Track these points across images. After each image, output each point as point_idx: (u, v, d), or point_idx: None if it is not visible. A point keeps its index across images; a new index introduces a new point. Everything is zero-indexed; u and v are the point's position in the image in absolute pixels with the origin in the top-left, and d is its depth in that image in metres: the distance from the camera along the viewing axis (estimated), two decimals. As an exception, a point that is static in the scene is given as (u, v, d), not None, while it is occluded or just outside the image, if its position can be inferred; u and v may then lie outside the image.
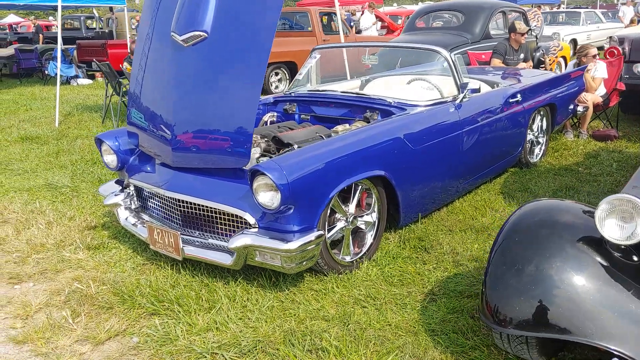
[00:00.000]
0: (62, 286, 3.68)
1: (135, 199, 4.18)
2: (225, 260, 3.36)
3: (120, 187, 4.26)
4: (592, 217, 2.43)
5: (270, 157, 3.78)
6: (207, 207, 3.52)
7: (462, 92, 4.61)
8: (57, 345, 3.05)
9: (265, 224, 3.32)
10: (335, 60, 8.34)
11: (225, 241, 3.45)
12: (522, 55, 8.02)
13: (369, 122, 4.42)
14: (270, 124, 5.05)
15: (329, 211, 3.46)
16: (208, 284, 3.54)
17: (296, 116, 5.04)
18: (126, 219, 4.11)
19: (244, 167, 3.54)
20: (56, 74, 14.20)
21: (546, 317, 2.36)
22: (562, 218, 2.67)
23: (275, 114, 5.11)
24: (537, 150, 6.03)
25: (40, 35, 18.89)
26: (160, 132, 3.71)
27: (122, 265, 3.96)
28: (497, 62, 7.90)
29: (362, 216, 3.84)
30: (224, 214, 3.48)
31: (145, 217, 4.09)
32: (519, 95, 5.32)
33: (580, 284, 2.37)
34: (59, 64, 9.58)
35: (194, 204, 3.57)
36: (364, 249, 3.81)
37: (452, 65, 4.62)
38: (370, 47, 5.79)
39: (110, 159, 4.23)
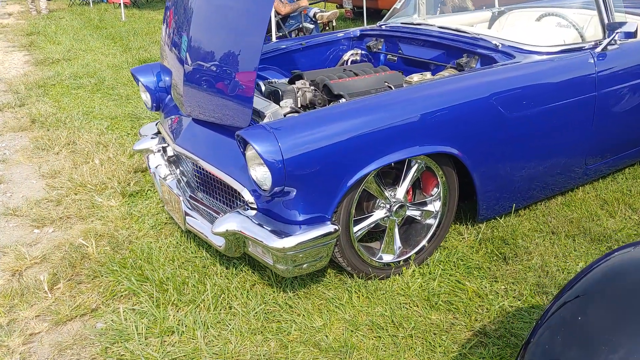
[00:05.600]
0: (71, 239, 3.28)
1: (171, 145, 3.59)
2: (219, 242, 2.63)
3: (157, 130, 3.69)
4: None
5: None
6: (208, 171, 2.79)
7: (609, 36, 3.21)
8: (17, 317, 2.62)
9: (264, 206, 2.51)
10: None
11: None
12: None
13: (462, 70, 3.28)
14: (351, 63, 4.09)
15: (357, 195, 2.54)
16: (206, 266, 2.88)
17: (381, 56, 4.02)
18: (157, 167, 3.53)
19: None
20: None
21: None
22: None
23: (360, 51, 4.12)
24: None
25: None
26: (178, 56, 2.95)
27: (144, 221, 3.45)
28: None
29: (424, 204, 2.84)
30: (227, 184, 2.72)
31: (178, 170, 3.48)
32: None
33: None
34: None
35: (199, 165, 2.87)
36: (415, 249, 2.83)
37: (598, -4, 3.21)
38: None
39: (145, 97, 3.65)
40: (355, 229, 2.62)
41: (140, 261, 2.93)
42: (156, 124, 3.75)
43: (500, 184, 2.97)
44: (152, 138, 3.60)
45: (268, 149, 2.23)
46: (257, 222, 2.46)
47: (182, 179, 3.19)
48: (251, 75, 2.54)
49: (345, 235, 2.55)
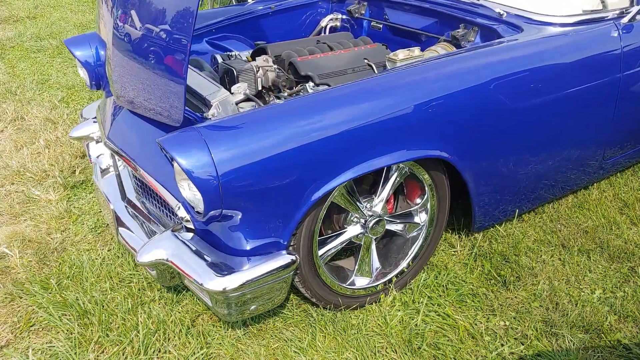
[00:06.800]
0: (-5, 245, 2.78)
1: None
2: (150, 269, 2.12)
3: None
4: None
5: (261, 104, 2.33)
6: (142, 177, 2.25)
7: (639, 3, 2.63)
8: None
9: (203, 228, 1.99)
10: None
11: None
12: None
13: (459, 45, 2.71)
14: (330, 31, 3.50)
15: (323, 212, 2.02)
16: (143, 289, 2.38)
17: (364, 23, 3.42)
18: (97, 157, 2.99)
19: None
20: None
21: None
22: None
23: (340, 16, 3.52)
24: None
25: None
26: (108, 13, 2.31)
27: (83, 222, 2.94)
28: None
29: (407, 215, 2.33)
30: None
31: (121, 162, 2.91)
32: None
33: None
34: None
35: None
36: (397, 270, 2.33)
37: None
38: None
39: (83, 74, 3.06)
40: (322, 251, 2.12)
41: (66, 280, 2.44)
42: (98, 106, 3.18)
43: (500, 185, 2.45)
44: (94, 122, 3.05)
45: (195, 162, 1.69)
46: (194, 249, 1.95)
47: (124, 176, 2.66)
48: (182, 54, 1.92)
49: (307, 262, 2.04)
